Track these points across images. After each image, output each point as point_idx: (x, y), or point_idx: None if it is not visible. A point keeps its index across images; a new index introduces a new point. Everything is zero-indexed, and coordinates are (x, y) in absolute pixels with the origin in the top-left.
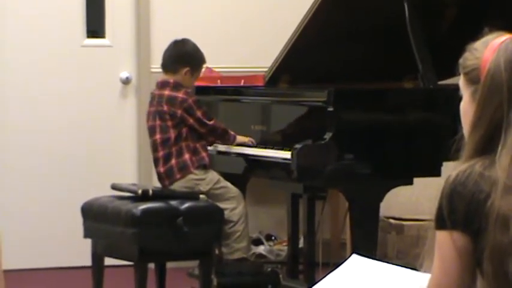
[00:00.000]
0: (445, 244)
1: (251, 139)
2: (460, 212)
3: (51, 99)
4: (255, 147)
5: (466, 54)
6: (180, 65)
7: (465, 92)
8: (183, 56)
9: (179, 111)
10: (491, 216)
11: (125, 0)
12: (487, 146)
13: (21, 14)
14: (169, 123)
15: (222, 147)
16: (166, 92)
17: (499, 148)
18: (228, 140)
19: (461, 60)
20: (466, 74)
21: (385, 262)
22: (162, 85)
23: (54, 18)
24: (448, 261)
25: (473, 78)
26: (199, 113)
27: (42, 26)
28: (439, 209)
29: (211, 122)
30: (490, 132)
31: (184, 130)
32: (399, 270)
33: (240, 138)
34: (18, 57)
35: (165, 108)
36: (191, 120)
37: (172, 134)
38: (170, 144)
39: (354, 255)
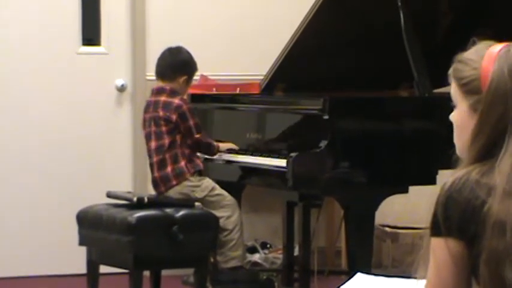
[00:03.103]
0: (440, 251)
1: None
2: (455, 218)
3: (47, 107)
4: (251, 155)
5: (460, 66)
6: (179, 74)
7: (462, 103)
8: (181, 64)
9: (174, 116)
10: (488, 222)
11: (120, 8)
12: (486, 154)
13: (17, 21)
14: (164, 128)
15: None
16: (163, 98)
17: (501, 154)
18: (212, 152)
19: (453, 72)
20: (463, 85)
21: (389, 276)
22: (158, 92)
23: (50, 26)
24: (443, 268)
25: (472, 89)
26: (191, 122)
27: (38, 33)
28: (434, 216)
29: (197, 136)
30: (492, 140)
31: (178, 137)
32: (404, 284)
33: (222, 146)
34: (14, 65)
35: (161, 113)
36: (182, 127)
37: (166, 140)
38: (164, 151)
39: (359, 274)
